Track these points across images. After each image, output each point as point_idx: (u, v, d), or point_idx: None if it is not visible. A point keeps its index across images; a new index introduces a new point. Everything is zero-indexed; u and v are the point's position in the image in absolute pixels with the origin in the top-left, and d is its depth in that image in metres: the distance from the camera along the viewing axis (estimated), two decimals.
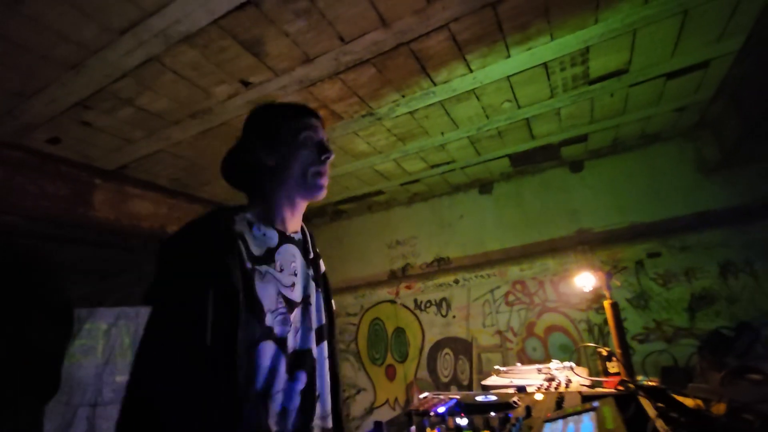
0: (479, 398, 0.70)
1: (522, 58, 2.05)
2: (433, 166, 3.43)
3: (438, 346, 3.81)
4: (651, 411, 0.66)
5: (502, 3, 1.70)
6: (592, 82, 2.35)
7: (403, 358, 3.94)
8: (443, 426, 0.56)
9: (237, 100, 2.19)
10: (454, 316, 3.78)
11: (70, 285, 2.87)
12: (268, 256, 0.84)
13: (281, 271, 0.86)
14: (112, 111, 2.19)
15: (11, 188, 2.46)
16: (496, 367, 1.09)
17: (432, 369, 3.77)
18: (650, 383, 0.92)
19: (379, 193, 3.91)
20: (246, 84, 2.07)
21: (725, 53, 2.15)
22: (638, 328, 2.94)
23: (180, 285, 0.71)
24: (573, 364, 1.08)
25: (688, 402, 0.84)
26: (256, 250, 0.82)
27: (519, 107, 2.58)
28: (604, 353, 1.12)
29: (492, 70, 2.14)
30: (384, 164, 3.29)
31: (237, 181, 0.96)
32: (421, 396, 0.71)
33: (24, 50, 1.70)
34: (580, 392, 0.75)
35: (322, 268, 1.08)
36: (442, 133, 2.85)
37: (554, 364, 1.09)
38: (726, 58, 2.19)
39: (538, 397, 0.73)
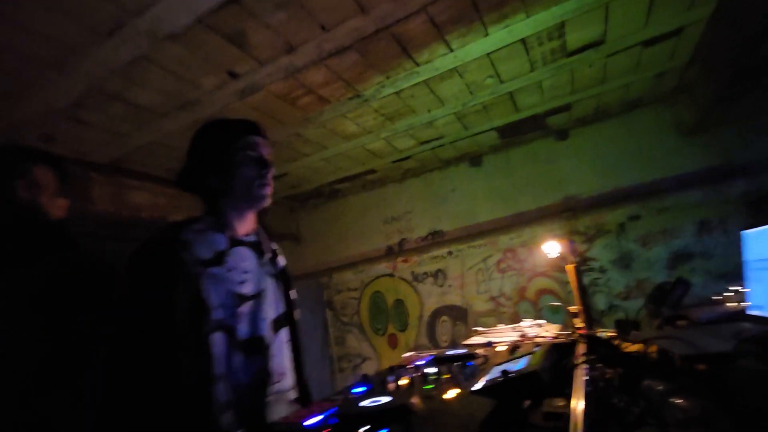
0: (450, 352, 0.84)
1: (500, 35, 2.10)
2: (422, 143, 3.50)
3: (436, 314, 4.01)
4: (581, 351, 0.80)
5: None
6: (570, 54, 2.41)
7: (404, 327, 4.15)
8: (416, 374, 0.69)
9: (225, 90, 2.24)
10: (450, 285, 3.96)
11: None
12: (218, 259, 0.96)
13: (230, 271, 0.98)
14: (103, 107, 2.24)
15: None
16: (475, 328, 1.23)
17: (431, 336, 3.99)
18: (608, 334, 1.06)
19: (372, 171, 3.99)
20: (233, 75, 2.12)
21: (696, 20, 2.20)
22: (620, 287, 3.13)
23: (132, 299, 0.90)
24: (544, 322, 1.22)
25: (633, 347, 0.99)
26: (205, 253, 0.95)
27: (501, 82, 2.64)
28: (572, 311, 1.27)
29: (472, 48, 2.19)
30: (374, 143, 3.36)
31: (192, 193, 1.07)
32: (405, 355, 0.83)
33: (9, 53, 1.74)
34: (535, 343, 0.89)
35: (281, 263, 1.20)
36: (429, 111, 2.92)
37: (526, 322, 1.23)
38: (697, 24, 2.25)
39: (501, 348, 0.86)
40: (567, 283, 3.38)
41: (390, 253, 4.27)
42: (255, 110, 2.51)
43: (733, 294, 1.28)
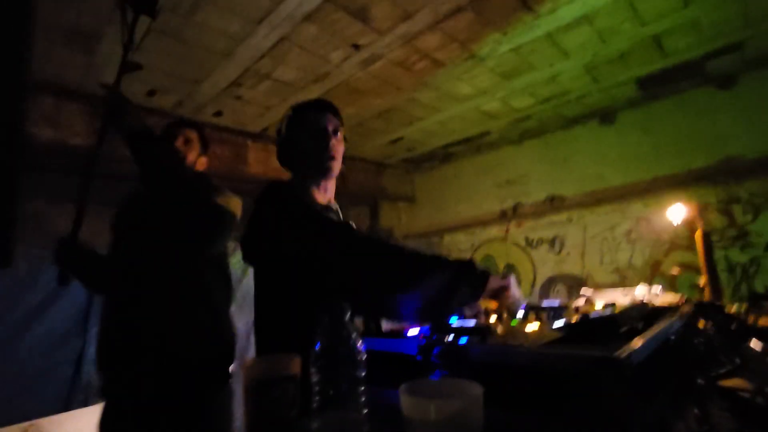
0: (543, 304, 0.91)
1: None
2: (543, 101, 3.28)
3: (550, 282, 3.87)
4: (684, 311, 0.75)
5: None
6: None
7: None
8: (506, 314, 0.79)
9: (350, 62, 2.47)
10: (568, 254, 3.75)
11: (241, 226, 3.74)
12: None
13: None
14: (256, 85, 2.69)
15: None
16: (584, 289, 1.23)
17: None
18: (737, 308, 0.96)
19: (488, 133, 3.91)
20: (356, 47, 2.32)
21: None
22: None
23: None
24: (659, 288, 1.15)
25: (764, 320, 0.88)
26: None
27: (643, 24, 2.29)
28: (700, 283, 1.16)
29: None
30: (490, 104, 3.28)
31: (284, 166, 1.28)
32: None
33: (196, 48, 2.22)
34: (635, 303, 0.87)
35: None
36: (551, 65, 2.71)
37: (639, 288, 1.18)
38: None
39: (599, 305, 0.88)
40: (718, 259, 2.89)
41: (503, 216, 4.20)
42: (374, 78, 2.69)
43: None
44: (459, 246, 4.55)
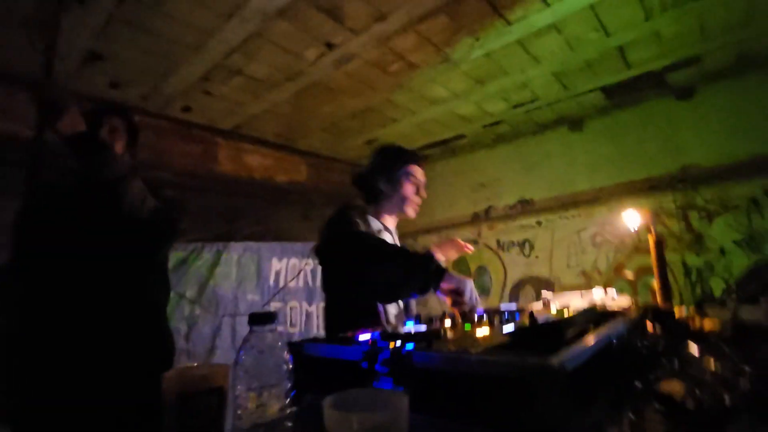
0: (501, 307, 0.92)
1: None
2: (516, 106, 3.35)
3: (520, 285, 3.95)
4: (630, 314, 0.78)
5: None
6: None
7: (486, 294, 4.18)
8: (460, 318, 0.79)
9: (324, 61, 2.44)
10: (536, 257, 3.84)
11: (208, 226, 3.63)
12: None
13: None
14: (226, 81, 2.63)
15: (161, 149, 3.13)
16: (544, 291, 1.26)
17: None
18: (684, 312, 1.01)
19: (462, 136, 3.95)
20: (330, 46, 2.29)
21: None
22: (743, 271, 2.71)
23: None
24: (613, 292, 1.19)
25: (708, 324, 0.92)
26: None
27: (608, 35, 2.38)
28: (652, 287, 1.21)
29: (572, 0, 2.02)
30: (464, 107, 3.32)
31: (360, 189, 1.51)
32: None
33: (163, 40, 2.14)
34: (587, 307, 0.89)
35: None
36: (523, 71, 2.77)
37: (597, 291, 1.22)
38: None
39: (553, 310, 0.90)
40: (675, 263, 3.03)
41: (476, 219, 4.26)
42: (349, 78, 2.68)
43: None
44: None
